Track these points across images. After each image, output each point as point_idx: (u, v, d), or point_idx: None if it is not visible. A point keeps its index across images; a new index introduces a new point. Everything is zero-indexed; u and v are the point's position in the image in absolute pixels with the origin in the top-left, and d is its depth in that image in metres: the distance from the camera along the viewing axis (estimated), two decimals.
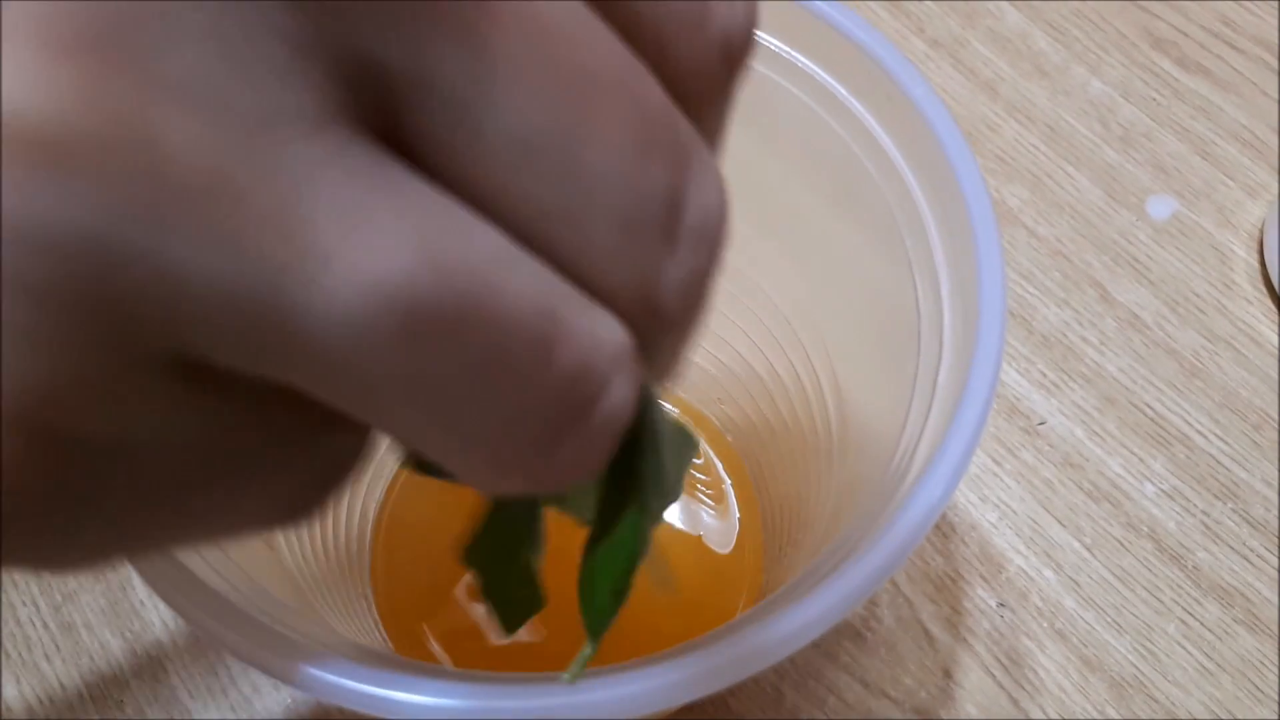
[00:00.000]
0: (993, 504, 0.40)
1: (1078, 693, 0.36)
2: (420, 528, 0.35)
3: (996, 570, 0.38)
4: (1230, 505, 0.39)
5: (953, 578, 0.38)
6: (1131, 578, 0.38)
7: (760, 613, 0.18)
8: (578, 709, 0.17)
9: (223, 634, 0.17)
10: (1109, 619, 0.38)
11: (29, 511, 0.11)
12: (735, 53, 0.13)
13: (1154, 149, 0.47)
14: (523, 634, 0.26)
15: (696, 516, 0.35)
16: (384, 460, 0.36)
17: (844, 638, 0.37)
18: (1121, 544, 0.39)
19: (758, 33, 0.24)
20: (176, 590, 0.17)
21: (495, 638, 0.32)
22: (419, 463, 0.15)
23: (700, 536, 0.35)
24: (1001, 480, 0.40)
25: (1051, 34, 0.50)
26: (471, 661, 0.32)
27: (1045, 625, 0.37)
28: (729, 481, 0.36)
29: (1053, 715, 0.36)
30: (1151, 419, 0.41)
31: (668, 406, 0.33)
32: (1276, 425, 0.41)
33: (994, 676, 0.37)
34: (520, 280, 0.11)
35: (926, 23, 0.51)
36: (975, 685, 0.37)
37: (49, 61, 0.09)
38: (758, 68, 0.24)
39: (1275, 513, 0.39)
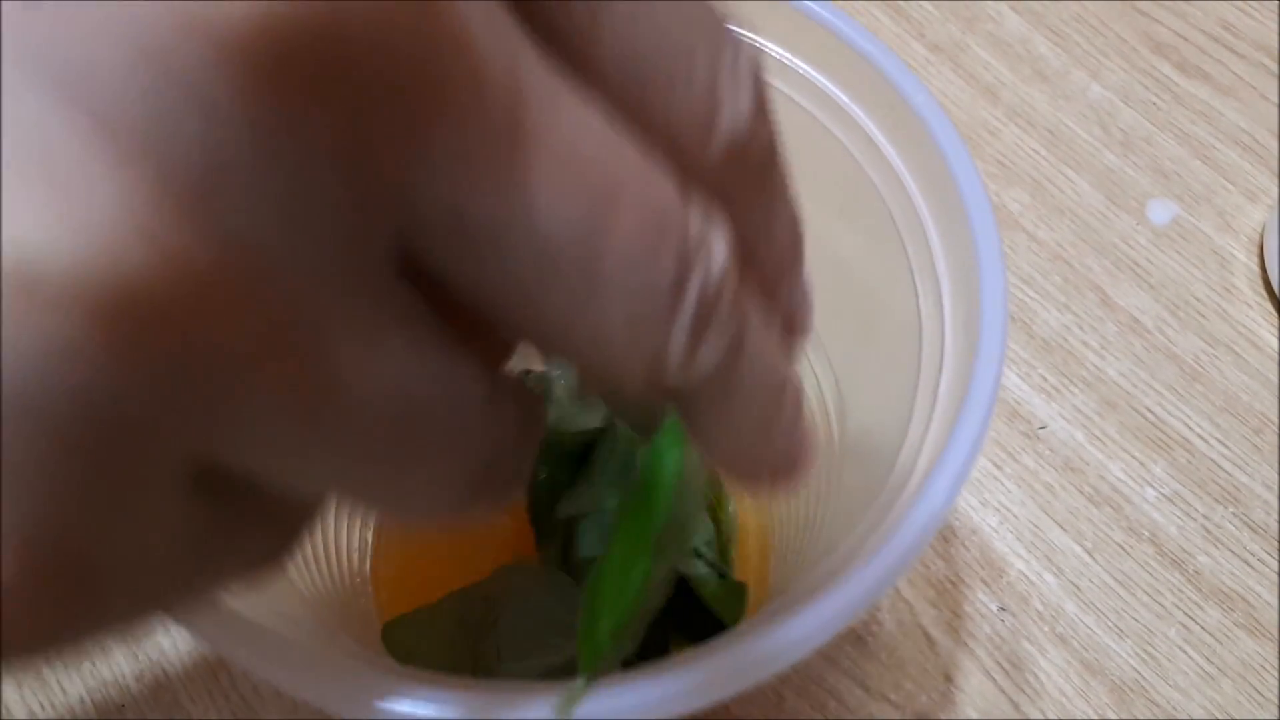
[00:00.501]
0: (993, 508, 0.40)
1: (1079, 697, 0.36)
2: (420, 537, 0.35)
3: (997, 574, 0.38)
4: (1231, 509, 0.39)
5: (954, 582, 0.38)
6: (1132, 582, 0.38)
7: (765, 620, 0.18)
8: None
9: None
10: (1110, 623, 0.38)
11: (28, 620, 0.11)
12: (746, 149, 0.14)
13: (1154, 153, 0.47)
14: None
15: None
16: None
17: (845, 642, 0.37)
18: (1122, 548, 0.39)
19: (761, 39, 0.24)
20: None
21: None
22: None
23: None
24: (1002, 484, 0.40)
25: (1052, 38, 0.50)
26: None
27: (1046, 629, 0.38)
28: (728, 484, 0.36)
29: (1054, 719, 0.36)
30: (1152, 423, 0.41)
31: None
32: (1277, 429, 0.41)
33: (995, 681, 0.37)
34: None
35: (927, 27, 0.51)
36: (976, 689, 0.37)
37: (140, 208, 0.09)
38: None
39: (1276, 517, 0.39)
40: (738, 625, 0.30)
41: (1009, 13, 0.51)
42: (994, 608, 0.38)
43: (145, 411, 0.10)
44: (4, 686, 0.37)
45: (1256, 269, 0.44)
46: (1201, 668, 0.37)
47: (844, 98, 0.23)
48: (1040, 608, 0.38)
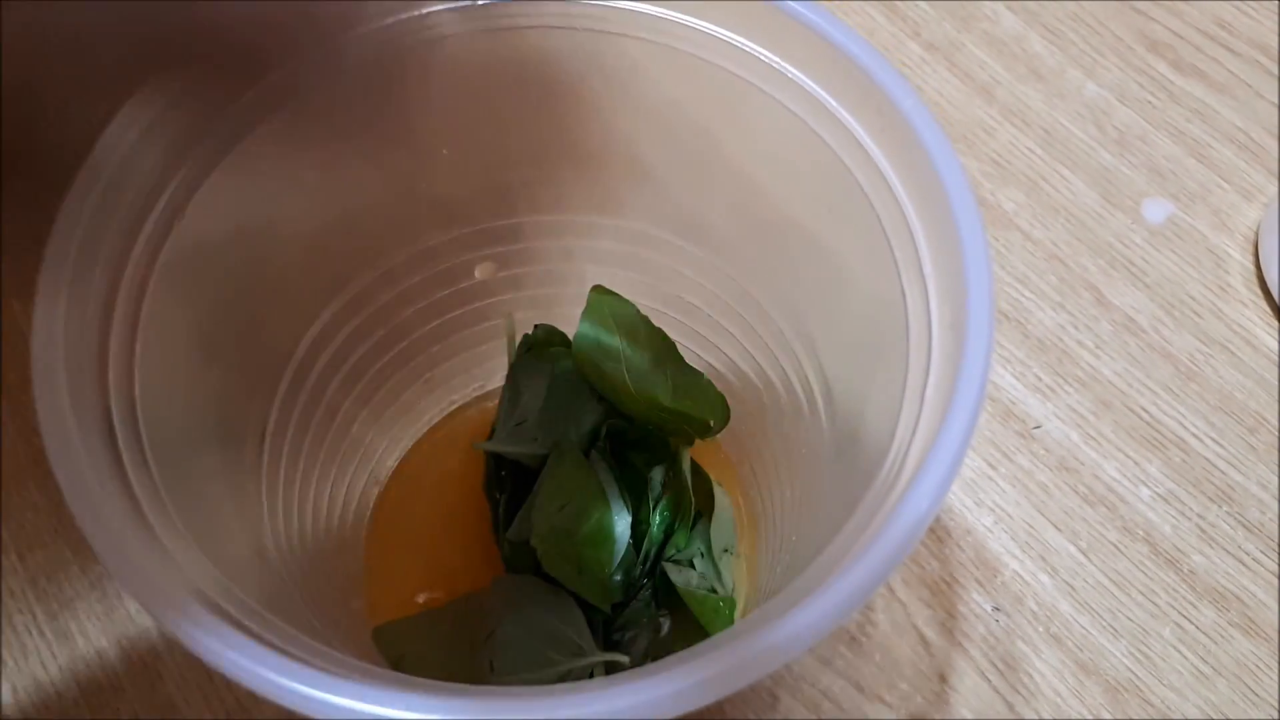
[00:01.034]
0: (988, 508, 0.40)
1: (1073, 697, 0.36)
2: (411, 521, 0.35)
3: (992, 574, 0.38)
4: (1226, 509, 0.39)
5: (948, 582, 0.38)
6: (1127, 581, 0.38)
7: (757, 621, 0.18)
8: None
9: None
10: (1104, 623, 0.38)
11: None
12: None
13: (1149, 152, 0.47)
14: None
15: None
16: (379, 463, 0.36)
17: (839, 642, 0.37)
18: (1117, 548, 0.39)
19: (751, 43, 0.24)
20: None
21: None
22: None
23: None
24: (997, 484, 0.40)
25: (1047, 37, 0.50)
26: None
27: (1041, 629, 0.37)
28: (723, 486, 0.36)
29: (1048, 719, 0.36)
30: (1147, 422, 0.41)
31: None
32: (1272, 428, 0.41)
33: (989, 681, 0.37)
34: None
35: (922, 26, 0.51)
36: (970, 689, 0.37)
37: None
38: (749, 78, 0.24)
39: (1271, 516, 0.39)
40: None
41: (1005, 11, 0.51)
42: (988, 608, 0.38)
43: None
44: (1, 693, 0.37)
45: (1252, 268, 0.44)
46: (1196, 668, 0.37)
47: (831, 101, 0.23)
48: (1035, 608, 0.38)
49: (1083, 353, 0.43)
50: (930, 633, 0.37)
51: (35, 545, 0.40)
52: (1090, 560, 0.39)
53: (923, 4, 0.51)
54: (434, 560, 0.34)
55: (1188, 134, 0.47)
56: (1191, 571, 0.38)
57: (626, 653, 0.32)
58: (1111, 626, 0.37)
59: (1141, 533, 0.39)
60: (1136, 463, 0.40)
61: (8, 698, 0.37)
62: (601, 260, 0.33)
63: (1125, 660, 0.37)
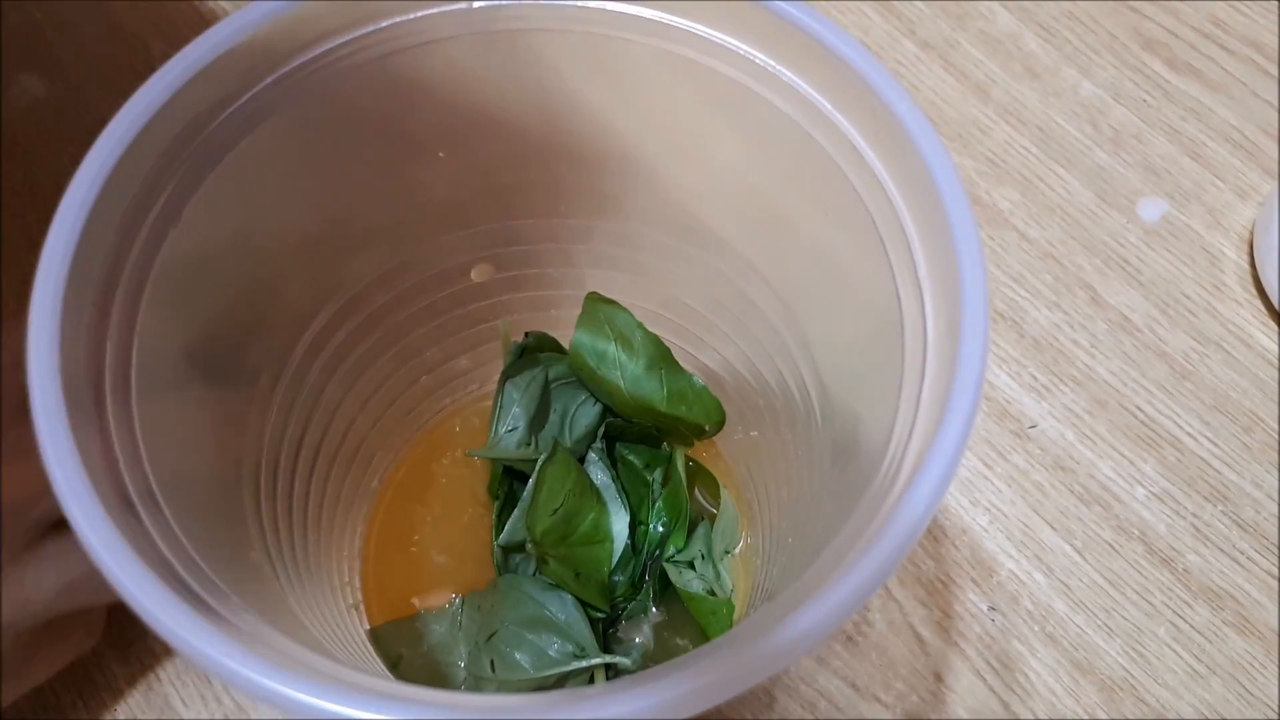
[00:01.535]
0: (984, 507, 0.40)
1: (1068, 696, 0.37)
2: (408, 523, 0.35)
3: (987, 574, 0.39)
4: (1220, 508, 0.40)
5: (944, 581, 0.38)
6: (1122, 581, 0.38)
7: (756, 625, 0.18)
8: None
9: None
10: (1099, 622, 0.38)
11: None
12: None
13: (1144, 151, 0.47)
14: None
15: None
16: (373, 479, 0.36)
17: (835, 642, 0.37)
18: (1112, 547, 0.39)
19: (746, 46, 0.24)
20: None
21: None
22: None
23: None
24: (992, 484, 0.40)
25: (1042, 35, 0.50)
26: None
27: (1036, 629, 0.38)
28: (723, 487, 0.36)
29: (1043, 718, 0.36)
30: (1142, 422, 0.41)
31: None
32: (1267, 427, 0.41)
33: (985, 680, 0.37)
34: None
35: (918, 25, 0.51)
36: (966, 689, 0.37)
37: None
38: (744, 80, 0.24)
39: (1265, 515, 0.39)
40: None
41: (1000, 9, 0.51)
42: (984, 607, 0.38)
43: None
44: (0, 694, 0.37)
45: (1246, 267, 0.44)
46: (1191, 666, 0.37)
47: (826, 104, 0.23)
48: (1030, 607, 0.38)
49: (1078, 352, 0.43)
50: (926, 632, 0.38)
51: None
52: (1085, 559, 0.39)
53: (918, 2, 0.51)
54: (431, 562, 0.34)
55: (1183, 133, 0.47)
56: (1186, 571, 0.38)
57: (626, 654, 0.32)
58: (1106, 626, 0.38)
59: (1137, 532, 0.39)
60: (1131, 462, 0.40)
61: (6, 701, 0.37)
62: (598, 262, 0.33)
63: (1120, 659, 0.37)
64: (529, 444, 0.34)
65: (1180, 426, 0.41)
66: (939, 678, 0.37)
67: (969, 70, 0.49)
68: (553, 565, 0.31)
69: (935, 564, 0.39)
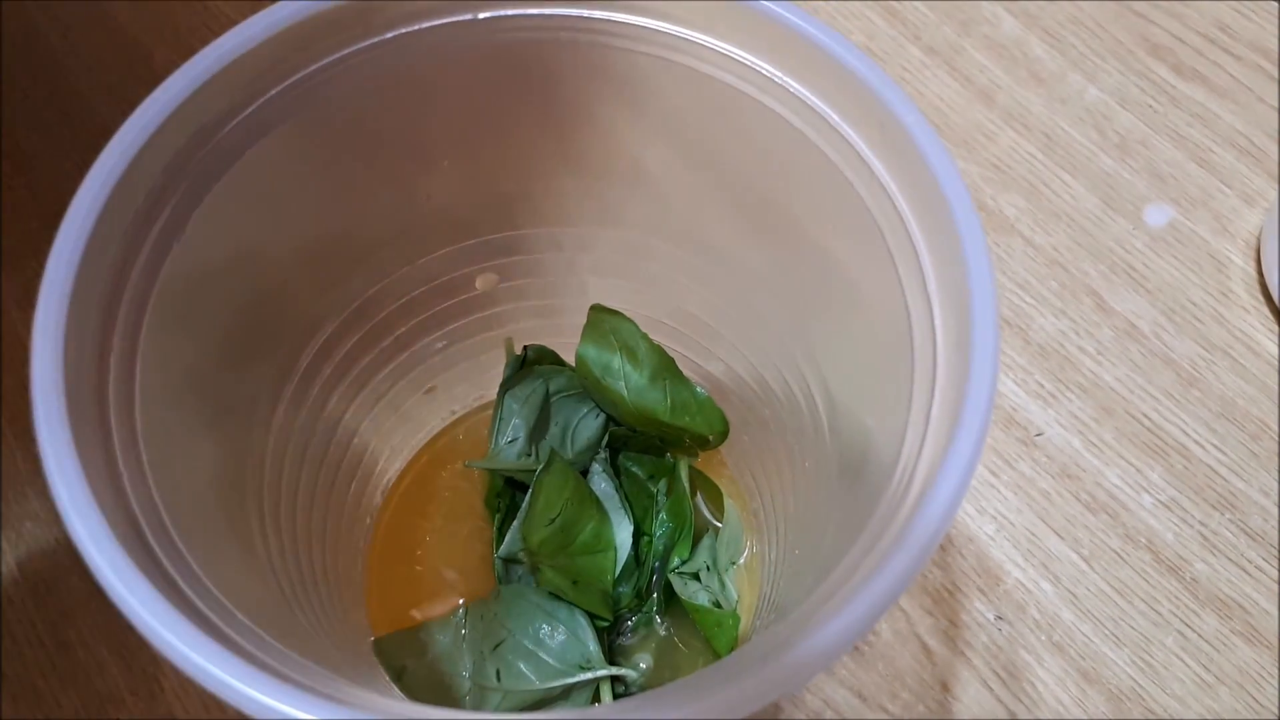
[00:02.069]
0: (990, 516, 0.40)
1: (1075, 705, 0.36)
2: (413, 533, 0.35)
3: (994, 583, 0.38)
4: (1228, 516, 0.39)
5: (950, 590, 0.38)
6: (1129, 589, 0.38)
7: (770, 644, 0.18)
8: None
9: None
10: (1107, 631, 0.37)
11: None
12: None
13: (1151, 156, 0.47)
14: None
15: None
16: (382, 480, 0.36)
17: None
18: (1119, 555, 0.39)
19: (753, 56, 0.24)
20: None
21: None
22: None
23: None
24: (999, 492, 0.40)
25: (1048, 41, 0.50)
26: None
27: (1043, 638, 0.37)
28: (727, 498, 0.36)
29: None
30: (1149, 429, 0.41)
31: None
32: (1274, 435, 0.41)
33: (991, 690, 0.37)
34: None
35: (923, 30, 0.50)
36: (973, 699, 0.37)
37: None
38: (751, 91, 0.24)
39: (1273, 523, 0.39)
40: (735, 649, 0.30)
41: (1005, 15, 0.51)
42: (991, 616, 0.38)
43: None
44: (1, 704, 0.37)
45: (1253, 273, 0.44)
46: (1199, 676, 0.37)
47: (833, 115, 0.23)
48: (1037, 616, 0.38)
49: (1084, 359, 0.43)
50: (932, 641, 0.37)
51: (35, 554, 0.40)
52: (1092, 568, 0.39)
53: (922, 7, 0.51)
54: (435, 573, 0.34)
55: (1189, 138, 0.47)
56: (1194, 579, 0.38)
57: (632, 666, 0.31)
58: (1114, 635, 0.37)
59: (1144, 540, 0.39)
60: (1138, 470, 0.40)
61: (7, 709, 0.37)
62: (603, 271, 0.33)
63: (1128, 669, 0.37)
64: (529, 455, 0.34)
65: (1187, 434, 0.41)
66: (946, 687, 0.37)
67: (974, 76, 0.49)
68: (548, 574, 0.31)
69: (942, 573, 0.39)
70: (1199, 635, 0.37)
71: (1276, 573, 0.38)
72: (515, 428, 0.34)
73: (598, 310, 0.33)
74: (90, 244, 0.21)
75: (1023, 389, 0.42)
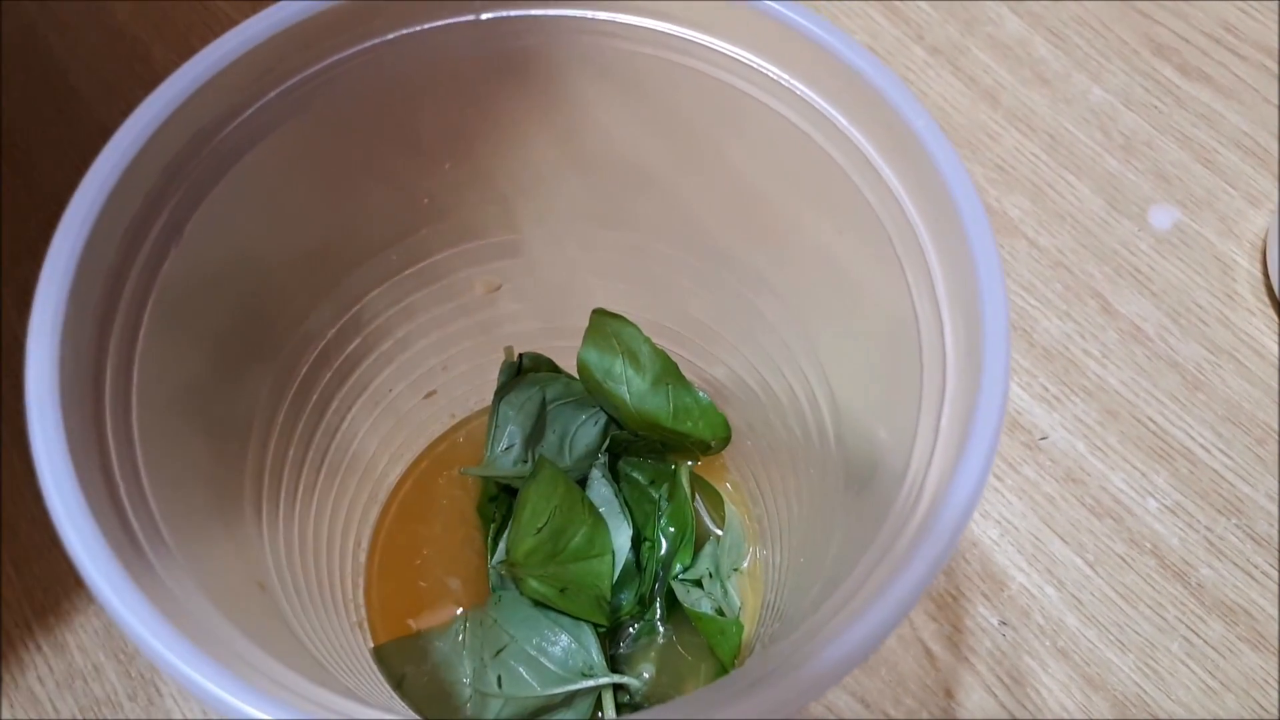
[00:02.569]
0: (994, 520, 0.39)
1: (1080, 711, 0.36)
2: (413, 540, 0.35)
3: (998, 588, 0.38)
4: (1234, 521, 0.39)
5: (954, 596, 0.38)
6: (1134, 595, 0.38)
7: (784, 660, 0.18)
8: None
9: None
10: (1112, 637, 0.37)
11: None
12: None
13: (1155, 157, 0.47)
14: None
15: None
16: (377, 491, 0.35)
17: None
18: (1124, 560, 0.39)
19: (758, 58, 0.24)
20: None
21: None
22: None
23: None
24: (1003, 496, 0.40)
25: (1052, 41, 0.50)
26: None
27: (1047, 644, 0.37)
28: (728, 503, 0.35)
29: None
30: (1154, 433, 0.41)
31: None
32: None
33: (996, 696, 0.36)
34: None
35: (926, 30, 0.50)
36: (977, 705, 0.36)
37: None
38: (756, 93, 0.24)
39: (1278, 528, 0.39)
40: (739, 657, 0.30)
41: (1009, 14, 0.51)
42: (995, 622, 0.38)
43: None
44: None
45: (1259, 275, 0.44)
46: (1204, 682, 0.37)
47: (841, 119, 0.22)
48: (1041, 621, 0.38)
49: (1089, 362, 0.42)
50: (936, 647, 0.37)
51: (32, 557, 0.39)
52: (1097, 573, 0.38)
53: (925, 7, 0.51)
54: (434, 579, 0.34)
55: (1194, 139, 0.47)
56: (1199, 585, 0.38)
57: (635, 674, 0.31)
58: (1119, 640, 0.37)
59: (1149, 545, 0.39)
60: (1143, 474, 0.40)
61: (4, 714, 0.37)
62: (605, 274, 0.33)
63: (1133, 675, 0.37)
64: (525, 462, 0.33)
65: (1193, 438, 0.41)
66: (949, 693, 0.36)
67: (978, 76, 0.49)
68: (532, 584, 0.30)
69: (945, 578, 0.38)
70: (1204, 641, 0.37)
71: None
72: (511, 434, 0.34)
73: (600, 314, 0.33)
74: (87, 247, 0.20)
75: (1027, 392, 0.42)
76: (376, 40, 0.24)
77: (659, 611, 0.32)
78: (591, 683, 0.30)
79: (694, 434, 0.33)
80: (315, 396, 0.29)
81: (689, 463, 0.35)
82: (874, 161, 0.22)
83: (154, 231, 0.22)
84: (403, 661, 0.31)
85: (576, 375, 0.34)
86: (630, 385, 0.33)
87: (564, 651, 0.30)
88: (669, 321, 0.34)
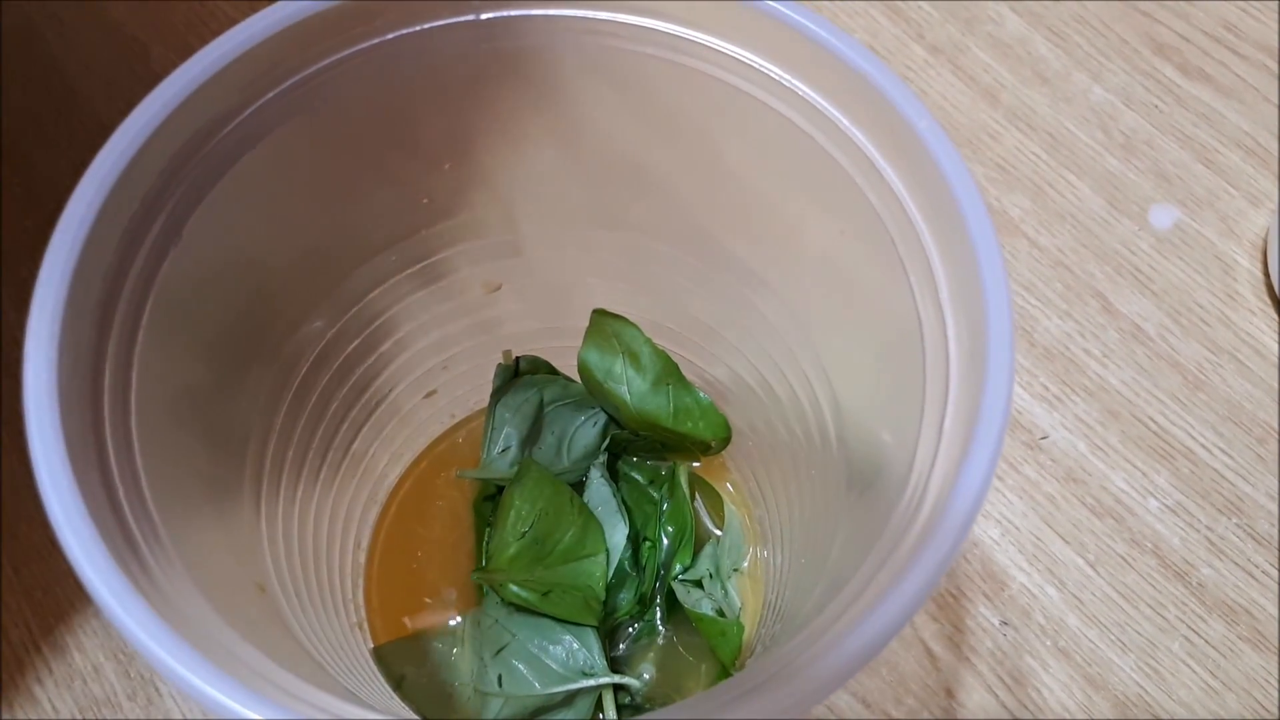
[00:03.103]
0: (995, 520, 0.39)
1: (1081, 712, 0.36)
2: (412, 540, 0.35)
3: (999, 588, 0.38)
4: (1234, 520, 0.39)
5: (955, 595, 0.38)
6: (1135, 595, 0.38)
7: (786, 660, 0.17)
8: None
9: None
10: (1113, 637, 0.37)
11: None
12: None
13: (1156, 157, 0.47)
14: None
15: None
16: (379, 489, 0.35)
17: None
18: (1125, 560, 0.38)
19: (760, 59, 0.24)
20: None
21: None
22: None
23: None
24: (1004, 496, 0.40)
25: (1052, 40, 0.50)
26: None
27: (1048, 643, 0.37)
28: (728, 504, 0.35)
29: None
30: (1155, 432, 0.41)
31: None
32: None
33: (997, 696, 0.36)
34: None
35: (926, 29, 0.50)
36: (978, 705, 0.36)
37: None
38: (757, 94, 0.24)
39: (1278, 528, 0.39)
40: (739, 658, 0.30)
41: (1009, 14, 0.50)
42: (996, 621, 0.37)
43: None
44: None
45: (1260, 275, 0.44)
46: (1205, 682, 0.36)
47: (844, 120, 0.22)
48: (1042, 621, 0.37)
49: (1090, 361, 0.42)
50: (937, 647, 0.37)
51: (32, 558, 0.39)
52: (1098, 573, 0.38)
53: (926, 6, 0.51)
54: (435, 578, 0.34)
55: (1195, 139, 0.47)
56: (1200, 584, 0.38)
57: (635, 675, 0.31)
58: (1120, 640, 0.37)
59: (1150, 545, 0.39)
60: (1144, 474, 0.40)
61: (4, 713, 0.37)
62: (605, 274, 0.33)
63: (1134, 674, 0.37)
64: (520, 463, 0.33)
65: (1193, 437, 0.41)
66: (950, 693, 0.36)
67: (978, 75, 0.49)
68: (513, 589, 0.30)
69: (946, 578, 0.38)
70: (1205, 641, 0.37)
71: None
72: (508, 437, 0.33)
73: (600, 314, 0.33)
74: (86, 248, 0.20)
75: (1028, 392, 0.42)
76: (376, 40, 0.24)
77: (659, 612, 0.32)
78: (592, 682, 0.30)
79: (694, 434, 0.33)
80: (315, 397, 0.29)
81: (689, 463, 0.35)
82: (876, 162, 0.22)
83: (153, 232, 0.22)
84: (402, 662, 0.30)
85: (576, 376, 0.34)
86: (631, 385, 0.32)
87: (565, 651, 0.30)
88: (670, 322, 0.33)
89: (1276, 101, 0.48)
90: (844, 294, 0.26)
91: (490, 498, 0.34)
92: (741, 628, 0.31)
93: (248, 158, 0.24)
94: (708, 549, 0.33)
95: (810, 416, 0.29)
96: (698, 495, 0.35)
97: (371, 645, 0.32)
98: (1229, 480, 0.40)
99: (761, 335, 0.30)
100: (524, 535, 0.31)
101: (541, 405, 0.34)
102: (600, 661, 0.30)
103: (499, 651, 0.30)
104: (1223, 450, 0.40)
